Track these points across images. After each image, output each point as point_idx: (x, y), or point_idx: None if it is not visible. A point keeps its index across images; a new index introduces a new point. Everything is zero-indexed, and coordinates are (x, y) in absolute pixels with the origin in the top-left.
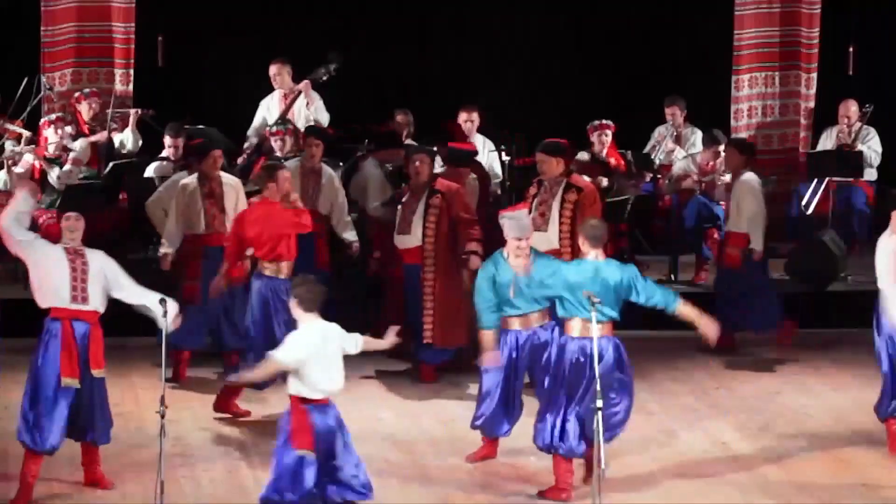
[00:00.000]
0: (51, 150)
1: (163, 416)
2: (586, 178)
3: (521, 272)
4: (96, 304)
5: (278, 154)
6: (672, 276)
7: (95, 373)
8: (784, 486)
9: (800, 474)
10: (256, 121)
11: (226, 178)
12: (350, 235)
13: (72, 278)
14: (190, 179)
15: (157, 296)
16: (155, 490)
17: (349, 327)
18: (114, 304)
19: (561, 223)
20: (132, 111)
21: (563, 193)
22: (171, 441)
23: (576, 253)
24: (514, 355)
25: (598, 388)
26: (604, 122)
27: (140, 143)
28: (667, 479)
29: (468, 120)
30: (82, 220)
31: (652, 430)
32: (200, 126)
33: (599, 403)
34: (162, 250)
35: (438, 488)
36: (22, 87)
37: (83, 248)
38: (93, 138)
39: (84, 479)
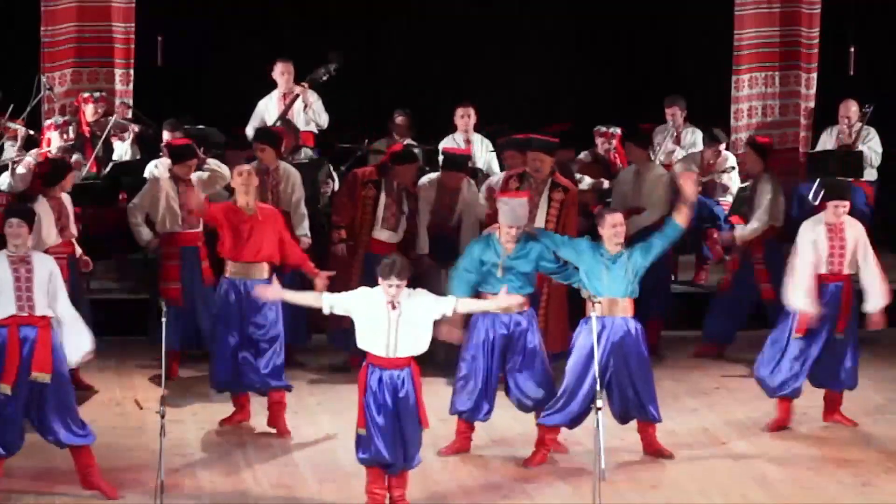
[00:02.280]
0: (53, 152)
1: (163, 416)
2: (585, 177)
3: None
4: (44, 309)
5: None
6: (672, 276)
7: (34, 376)
8: (784, 485)
9: (800, 474)
10: (254, 120)
11: (195, 176)
12: (301, 230)
13: (16, 287)
14: (163, 177)
15: (83, 334)
16: (155, 490)
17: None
18: (114, 304)
19: (547, 221)
20: (133, 126)
21: (549, 192)
22: (171, 441)
23: None
24: (490, 336)
25: (598, 387)
26: (610, 129)
27: (138, 157)
28: (667, 479)
29: (465, 114)
30: (25, 226)
31: None
32: (201, 126)
33: (600, 404)
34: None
35: (439, 488)
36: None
37: (30, 255)
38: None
39: (83, 485)
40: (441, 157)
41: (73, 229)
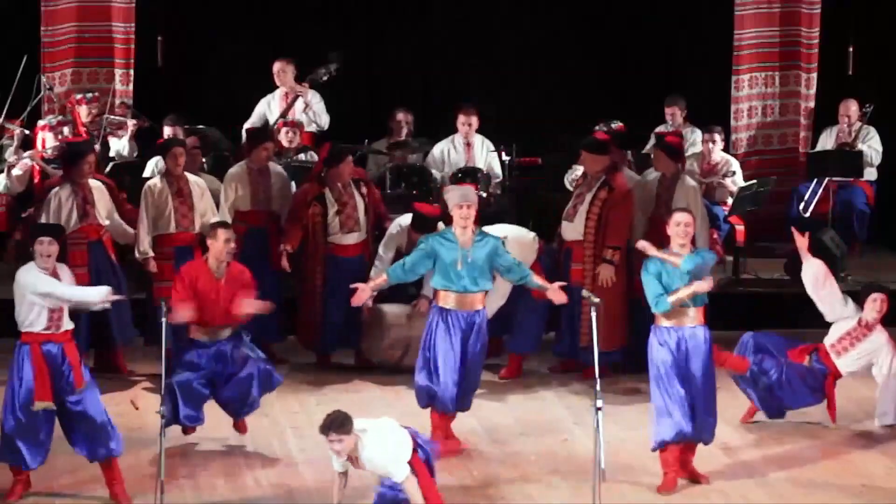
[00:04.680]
0: (49, 153)
1: (163, 416)
2: (624, 178)
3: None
4: (68, 324)
5: (287, 146)
6: None
7: (77, 391)
8: (784, 485)
9: (800, 474)
10: (254, 117)
11: (191, 178)
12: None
13: (49, 309)
14: (155, 181)
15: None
16: (155, 490)
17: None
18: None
19: (588, 217)
20: (130, 122)
21: (597, 189)
22: (170, 441)
23: (597, 248)
24: (451, 331)
25: (598, 387)
26: (612, 125)
27: (136, 153)
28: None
29: (466, 122)
30: (56, 244)
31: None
32: (201, 126)
33: (600, 403)
34: (142, 255)
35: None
36: (20, 74)
37: (58, 270)
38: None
39: (111, 495)
40: (411, 214)
41: (99, 216)
